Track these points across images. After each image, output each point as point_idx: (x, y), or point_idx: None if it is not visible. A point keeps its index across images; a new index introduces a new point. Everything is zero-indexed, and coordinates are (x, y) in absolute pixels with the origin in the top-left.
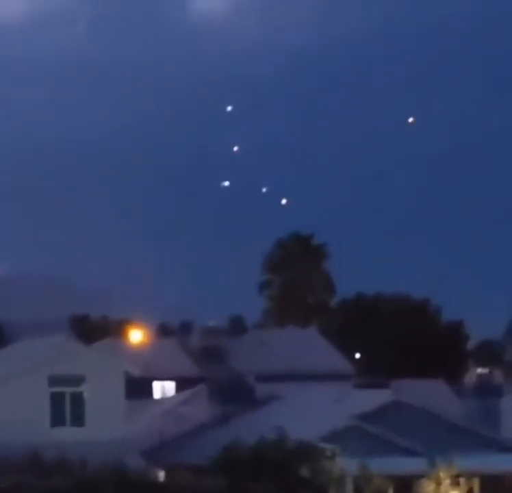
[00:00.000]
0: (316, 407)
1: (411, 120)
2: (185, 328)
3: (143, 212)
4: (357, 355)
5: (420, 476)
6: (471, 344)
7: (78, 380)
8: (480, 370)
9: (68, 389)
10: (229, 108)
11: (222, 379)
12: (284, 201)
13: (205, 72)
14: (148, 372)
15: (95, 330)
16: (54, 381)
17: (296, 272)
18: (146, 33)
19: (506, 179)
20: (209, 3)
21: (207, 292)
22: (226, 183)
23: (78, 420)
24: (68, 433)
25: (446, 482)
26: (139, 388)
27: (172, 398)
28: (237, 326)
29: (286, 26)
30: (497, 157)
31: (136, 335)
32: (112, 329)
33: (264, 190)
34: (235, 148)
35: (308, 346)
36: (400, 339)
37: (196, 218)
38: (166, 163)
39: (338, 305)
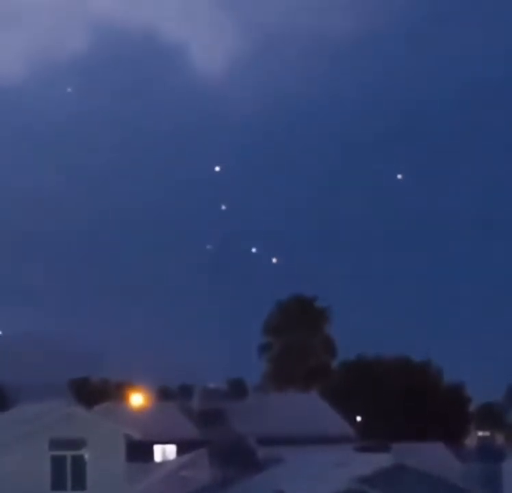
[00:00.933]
0: (317, 471)
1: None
2: (185, 391)
3: (142, 275)
4: (358, 418)
5: None
6: (472, 407)
7: (79, 443)
8: (481, 433)
9: (69, 453)
10: (217, 168)
11: (223, 442)
12: (274, 260)
13: (195, 133)
14: (149, 436)
15: (95, 393)
16: (55, 444)
17: (296, 335)
18: (141, 96)
19: (502, 244)
20: (206, 71)
21: (206, 354)
22: (209, 246)
23: (79, 483)
24: None
25: None
26: (140, 451)
27: (173, 461)
28: (237, 388)
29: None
30: (484, 224)
31: (137, 399)
32: (112, 392)
33: (254, 250)
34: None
35: (309, 409)
36: (401, 401)
37: (196, 281)
38: (161, 226)
39: (339, 368)
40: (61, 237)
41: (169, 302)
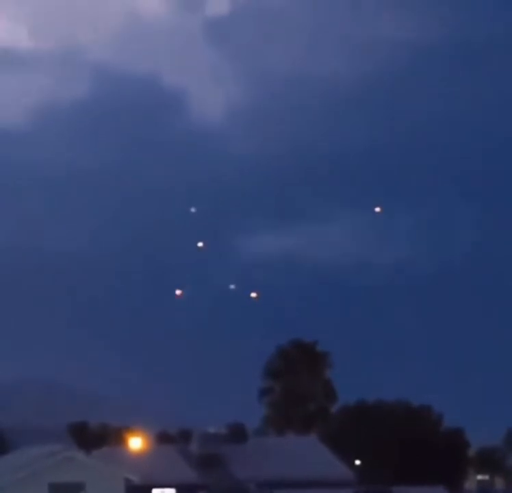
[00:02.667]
0: None
1: (378, 209)
2: (184, 435)
3: (141, 321)
4: (357, 462)
5: None
6: (471, 451)
7: (78, 488)
8: (480, 477)
9: None
10: (193, 210)
11: (222, 486)
12: (254, 295)
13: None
14: (148, 479)
15: (94, 437)
16: (54, 488)
17: (296, 379)
18: (142, 142)
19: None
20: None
21: (206, 398)
22: (178, 292)
23: None
24: None
25: None
26: None
27: None
28: (237, 432)
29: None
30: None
31: (136, 442)
32: (111, 436)
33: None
34: (200, 244)
35: (309, 453)
36: (400, 445)
37: (196, 326)
38: (158, 272)
39: (339, 412)
40: (56, 283)
41: (168, 347)
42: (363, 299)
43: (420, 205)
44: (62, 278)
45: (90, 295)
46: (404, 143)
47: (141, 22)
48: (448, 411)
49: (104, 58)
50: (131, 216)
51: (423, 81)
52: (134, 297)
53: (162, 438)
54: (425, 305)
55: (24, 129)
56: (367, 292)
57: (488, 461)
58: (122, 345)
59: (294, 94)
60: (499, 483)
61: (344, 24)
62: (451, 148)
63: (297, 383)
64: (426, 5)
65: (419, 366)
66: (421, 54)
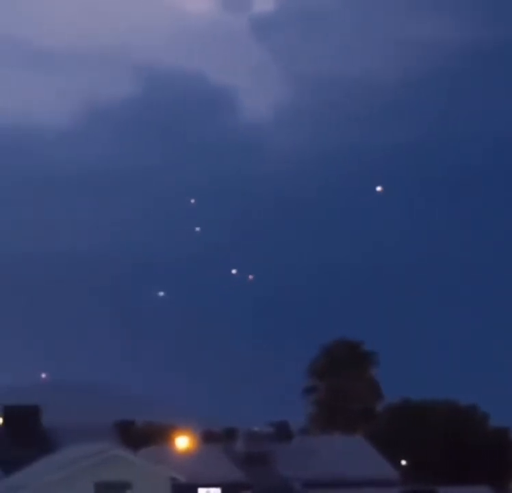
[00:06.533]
0: None
1: (379, 188)
2: (229, 434)
3: (188, 321)
4: (403, 462)
5: None
6: None
7: (124, 486)
8: None
9: None
10: (192, 201)
11: (267, 485)
12: (251, 277)
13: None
14: (194, 479)
15: (140, 436)
16: (100, 487)
17: (341, 378)
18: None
19: None
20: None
21: (251, 397)
22: (161, 294)
23: None
24: None
25: None
26: None
27: None
28: (282, 431)
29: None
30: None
31: (182, 442)
32: (157, 435)
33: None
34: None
35: (354, 452)
36: (446, 445)
37: (241, 325)
38: (201, 273)
39: (384, 411)
40: (98, 282)
41: (213, 346)
42: (410, 297)
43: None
44: (104, 277)
45: (133, 294)
46: (446, 141)
47: (187, 21)
48: (493, 411)
49: (150, 57)
50: (178, 213)
51: (462, 81)
52: (179, 296)
53: (207, 437)
54: (471, 303)
55: (71, 128)
56: (413, 291)
57: None
58: (167, 344)
59: (339, 92)
60: None
61: (388, 22)
62: (495, 141)
63: (342, 382)
64: (464, 6)
65: (466, 365)
66: (460, 54)
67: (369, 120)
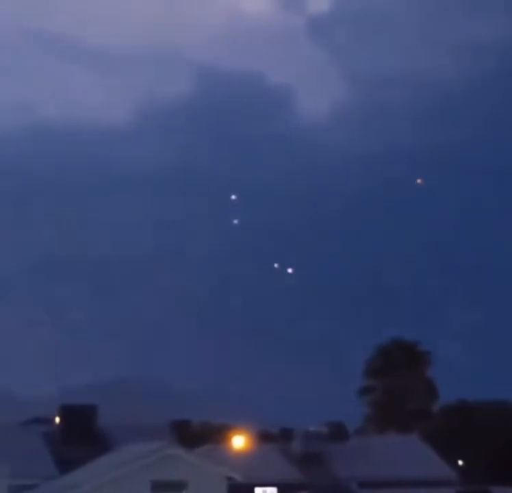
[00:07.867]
0: None
1: (419, 181)
2: (285, 433)
3: (245, 319)
4: (460, 462)
5: None
6: None
7: (180, 485)
8: None
9: None
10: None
11: (323, 485)
12: (290, 270)
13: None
14: (250, 478)
15: (196, 435)
16: (156, 486)
17: (398, 378)
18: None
19: None
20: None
21: (306, 397)
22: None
23: None
24: None
25: None
26: None
27: None
28: (338, 432)
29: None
30: None
31: (238, 441)
32: (213, 435)
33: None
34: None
35: (410, 452)
36: (500, 445)
37: (297, 325)
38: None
39: (439, 411)
40: (155, 280)
41: (270, 347)
42: (466, 296)
43: None
44: (162, 275)
45: (188, 291)
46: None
47: (243, 21)
48: None
49: (206, 57)
50: (237, 210)
51: None
52: (235, 295)
53: (263, 437)
54: None
55: (128, 128)
56: (467, 290)
57: None
58: (223, 344)
59: (396, 92)
60: None
61: (445, 23)
62: None
63: (398, 382)
64: None
65: None
66: None
67: (424, 120)
